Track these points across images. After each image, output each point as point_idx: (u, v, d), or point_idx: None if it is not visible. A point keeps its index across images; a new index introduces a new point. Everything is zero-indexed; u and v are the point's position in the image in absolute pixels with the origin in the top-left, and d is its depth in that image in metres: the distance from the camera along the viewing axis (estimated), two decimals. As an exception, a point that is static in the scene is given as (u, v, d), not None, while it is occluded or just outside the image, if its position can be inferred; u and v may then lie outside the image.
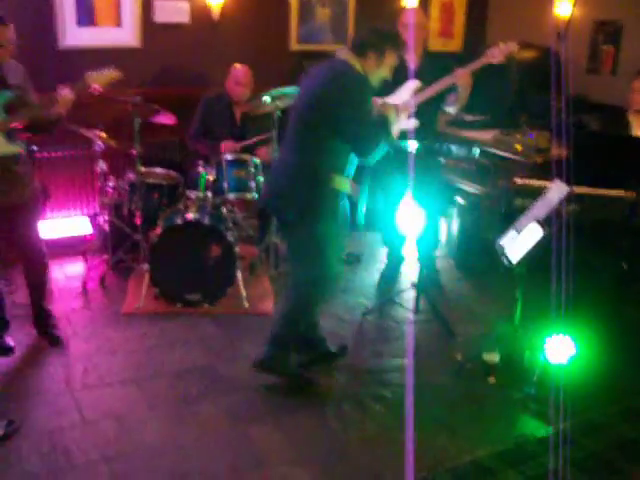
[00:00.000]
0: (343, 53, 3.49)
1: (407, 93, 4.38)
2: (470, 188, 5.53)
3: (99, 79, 3.81)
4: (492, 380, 3.80)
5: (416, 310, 4.55)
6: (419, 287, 4.51)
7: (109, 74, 3.85)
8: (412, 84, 4.38)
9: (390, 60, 3.47)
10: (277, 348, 3.68)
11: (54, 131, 3.94)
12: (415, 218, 4.56)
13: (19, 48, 3.77)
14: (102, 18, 5.58)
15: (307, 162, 3.44)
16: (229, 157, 4.79)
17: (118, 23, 5.65)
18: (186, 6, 5.81)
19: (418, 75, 4.47)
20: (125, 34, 5.68)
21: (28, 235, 3.97)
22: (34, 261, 4.05)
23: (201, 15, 5.87)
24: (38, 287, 4.13)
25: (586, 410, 3.55)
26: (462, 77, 4.35)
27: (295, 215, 3.49)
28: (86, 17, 5.49)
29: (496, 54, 4.31)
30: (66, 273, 5.18)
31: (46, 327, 4.18)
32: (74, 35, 5.46)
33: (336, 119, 3.31)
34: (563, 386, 3.42)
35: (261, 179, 4.84)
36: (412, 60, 4.54)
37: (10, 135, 3.68)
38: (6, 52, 3.64)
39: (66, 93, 3.69)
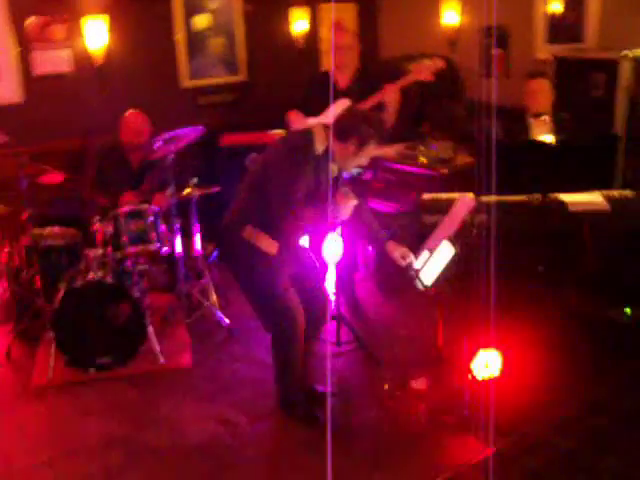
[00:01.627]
0: (316, 127, 3.45)
1: (337, 112, 4.28)
2: (382, 207, 5.45)
3: None
4: (422, 407, 3.68)
5: (338, 342, 4.41)
6: (339, 318, 4.38)
7: None
8: (341, 103, 4.30)
9: (370, 151, 3.39)
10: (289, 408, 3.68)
11: None
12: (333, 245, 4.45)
13: None
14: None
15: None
16: (126, 209, 4.57)
17: (-4, 79, 5.37)
18: (67, 54, 5.57)
19: (348, 94, 4.42)
20: (4, 89, 5.39)
21: None
22: None
23: (84, 62, 5.64)
24: None
25: (520, 426, 3.47)
26: (390, 93, 4.28)
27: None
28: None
29: (423, 70, 4.29)
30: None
31: None
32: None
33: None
34: (494, 404, 3.33)
35: (162, 227, 4.63)
36: (342, 79, 4.49)
37: None
38: None
39: None
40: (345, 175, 3.77)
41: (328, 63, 4.60)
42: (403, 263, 3.48)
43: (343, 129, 3.34)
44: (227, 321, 4.73)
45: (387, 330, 4.71)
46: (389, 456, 3.39)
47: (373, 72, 5.12)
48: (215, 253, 5.32)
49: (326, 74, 4.63)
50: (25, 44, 5.44)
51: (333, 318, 4.43)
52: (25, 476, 3.41)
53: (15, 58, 5.39)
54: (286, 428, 3.69)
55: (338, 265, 4.59)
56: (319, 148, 3.37)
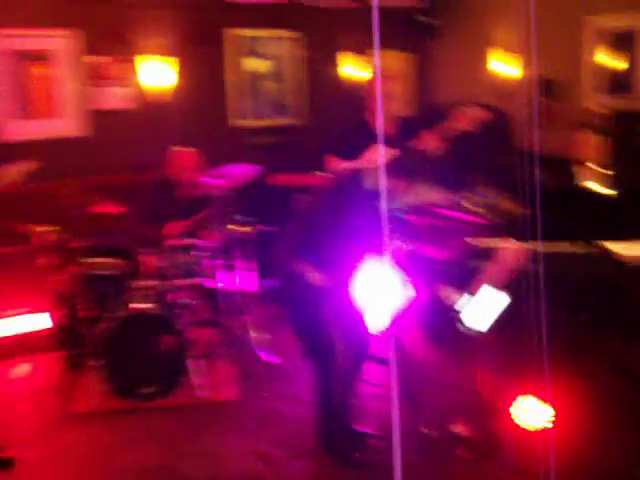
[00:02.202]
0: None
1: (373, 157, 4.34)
2: (429, 252, 5.44)
3: (10, 174, 3.68)
4: (463, 454, 3.62)
5: (379, 384, 4.39)
6: (379, 359, 4.37)
7: (23, 167, 3.74)
8: (377, 148, 4.35)
9: (419, 192, 3.61)
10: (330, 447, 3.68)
11: None
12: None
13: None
14: (42, 111, 5.49)
15: None
16: (173, 242, 4.66)
17: (57, 114, 5.56)
18: (126, 92, 5.77)
19: (386, 141, 4.46)
20: (66, 124, 5.59)
21: None
22: None
23: (142, 100, 5.84)
24: None
25: (566, 476, 3.38)
26: (429, 141, 4.32)
27: None
28: (25, 111, 5.42)
29: (461, 118, 4.31)
30: (9, 375, 4.92)
31: None
32: (13, 129, 5.37)
33: None
34: (543, 454, 3.26)
35: (207, 262, 4.71)
36: (380, 127, 4.54)
37: None
38: None
39: None
40: (394, 216, 3.81)
41: (371, 110, 4.62)
42: (448, 302, 3.48)
43: (395, 167, 3.38)
44: (271, 357, 4.74)
45: (429, 374, 4.67)
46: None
47: (415, 120, 5.15)
48: (264, 286, 5.35)
49: (364, 122, 4.64)
50: (90, 81, 5.64)
51: (375, 360, 4.42)
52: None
53: (79, 94, 5.59)
54: (326, 467, 3.68)
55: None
56: (369, 184, 3.43)
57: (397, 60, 7.00)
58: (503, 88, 6.52)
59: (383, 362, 4.39)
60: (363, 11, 5.94)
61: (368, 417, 4.06)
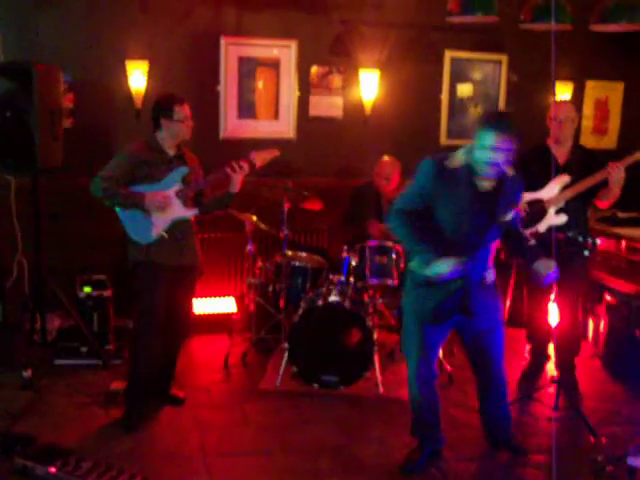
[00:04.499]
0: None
1: (556, 188, 4.36)
2: (620, 285, 5.29)
3: (262, 157, 4.09)
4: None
5: (556, 407, 4.34)
6: (560, 384, 4.32)
7: (270, 152, 4.15)
8: (561, 179, 4.36)
9: None
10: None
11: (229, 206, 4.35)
12: (559, 315, 4.44)
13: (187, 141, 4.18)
14: (261, 112, 6.00)
15: None
16: (373, 243, 4.89)
17: (275, 116, 6.05)
18: (340, 102, 6.13)
19: (567, 170, 4.43)
20: (281, 126, 6.06)
21: (183, 302, 4.27)
22: (178, 328, 4.30)
23: (353, 110, 6.16)
24: (174, 353, 4.37)
25: None
26: (615, 171, 4.24)
27: None
28: (246, 111, 5.95)
29: None
30: (210, 348, 5.39)
31: (169, 389, 4.40)
32: (235, 127, 5.92)
33: None
34: None
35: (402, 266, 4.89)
36: (561, 154, 4.51)
37: (185, 202, 4.08)
38: (185, 127, 4.02)
39: (239, 171, 4.04)
40: None
41: (552, 135, 4.54)
42: None
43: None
44: (449, 367, 4.84)
45: (610, 407, 4.56)
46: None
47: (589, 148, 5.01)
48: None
49: (545, 147, 4.59)
50: (305, 89, 6.07)
51: (554, 382, 4.38)
52: (245, 461, 3.76)
53: (295, 101, 6.05)
54: (492, 470, 3.79)
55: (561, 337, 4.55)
56: None
57: (610, 90, 6.85)
58: None
59: (562, 385, 4.37)
60: (581, 37, 5.91)
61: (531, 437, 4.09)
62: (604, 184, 4.32)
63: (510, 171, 3.42)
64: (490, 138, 3.20)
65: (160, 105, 4.04)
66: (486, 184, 3.38)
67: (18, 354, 4.82)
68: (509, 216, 3.46)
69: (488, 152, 3.23)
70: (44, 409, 4.23)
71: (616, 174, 4.23)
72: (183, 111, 4.00)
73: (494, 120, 3.29)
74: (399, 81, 6.24)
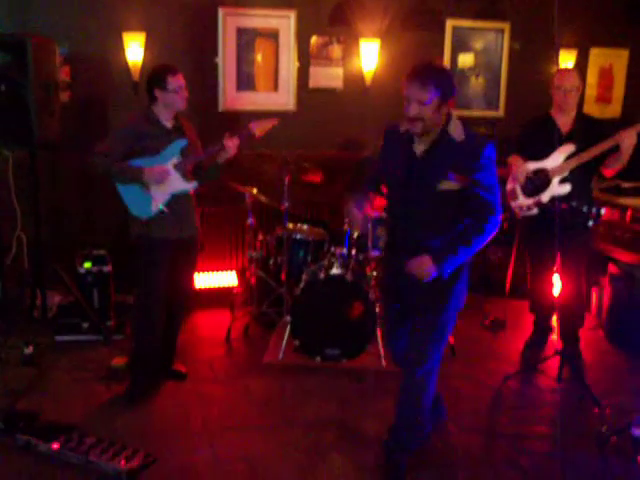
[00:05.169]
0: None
1: (561, 157, 4.30)
2: (624, 256, 5.26)
3: (261, 126, 4.05)
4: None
5: (559, 379, 4.33)
6: (564, 355, 4.30)
7: (269, 121, 4.11)
8: (566, 148, 4.30)
9: None
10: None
11: (219, 177, 4.26)
12: (562, 285, 4.41)
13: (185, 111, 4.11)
14: (260, 84, 5.92)
15: None
16: (376, 214, 4.84)
17: (275, 88, 5.97)
18: (340, 72, 6.05)
19: (571, 139, 4.37)
20: (281, 98, 5.99)
21: (185, 276, 4.24)
22: (179, 302, 4.27)
23: (354, 81, 6.08)
24: (175, 327, 4.34)
25: None
26: (627, 138, 4.17)
27: None
28: (245, 83, 5.88)
29: None
30: (212, 322, 5.37)
31: (171, 364, 4.39)
32: (234, 99, 5.85)
33: None
34: None
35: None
36: (565, 123, 4.45)
37: (185, 175, 4.03)
38: (180, 98, 3.95)
39: (234, 141, 3.97)
40: None
41: (556, 104, 4.46)
42: None
43: None
44: (451, 339, 4.82)
45: (613, 378, 4.55)
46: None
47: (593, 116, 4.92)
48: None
49: (548, 116, 4.52)
50: (305, 60, 5.98)
51: (557, 353, 4.37)
52: (249, 434, 3.75)
53: (295, 72, 5.96)
54: (493, 443, 3.76)
55: (565, 308, 4.53)
56: None
57: (614, 57, 6.74)
58: None
59: (566, 356, 4.35)
60: (585, 3, 5.81)
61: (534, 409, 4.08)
62: (610, 152, 4.26)
63: (459, 135, 3.03)
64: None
65: (153, 76, 3.97)
66: (420, 147, 3.10)
67: (18, 331, 4.81)
68: (448, 185, 3.01)
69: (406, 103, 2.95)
70: (46, 385, 4.22)
71: (629, 139, 4.17)
72: (177, 81, 3.92)
73: (411, 69, 2.98)
74: (400, 51, 6.13)
